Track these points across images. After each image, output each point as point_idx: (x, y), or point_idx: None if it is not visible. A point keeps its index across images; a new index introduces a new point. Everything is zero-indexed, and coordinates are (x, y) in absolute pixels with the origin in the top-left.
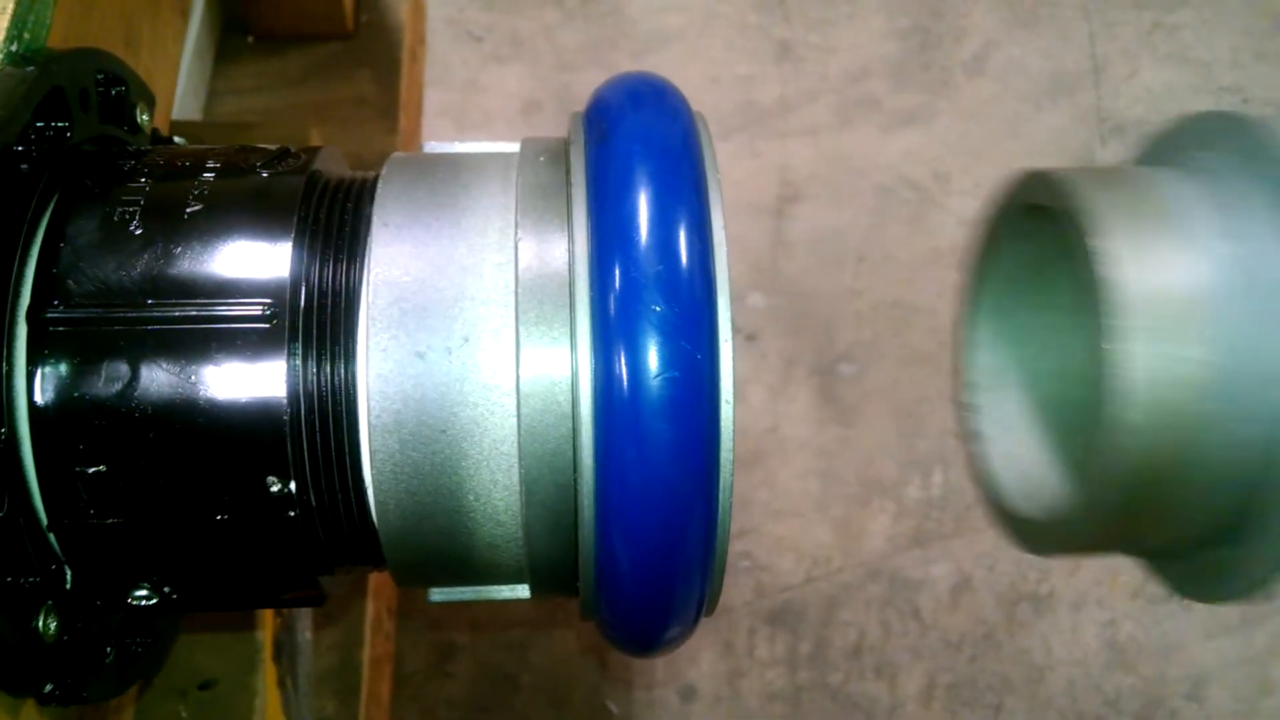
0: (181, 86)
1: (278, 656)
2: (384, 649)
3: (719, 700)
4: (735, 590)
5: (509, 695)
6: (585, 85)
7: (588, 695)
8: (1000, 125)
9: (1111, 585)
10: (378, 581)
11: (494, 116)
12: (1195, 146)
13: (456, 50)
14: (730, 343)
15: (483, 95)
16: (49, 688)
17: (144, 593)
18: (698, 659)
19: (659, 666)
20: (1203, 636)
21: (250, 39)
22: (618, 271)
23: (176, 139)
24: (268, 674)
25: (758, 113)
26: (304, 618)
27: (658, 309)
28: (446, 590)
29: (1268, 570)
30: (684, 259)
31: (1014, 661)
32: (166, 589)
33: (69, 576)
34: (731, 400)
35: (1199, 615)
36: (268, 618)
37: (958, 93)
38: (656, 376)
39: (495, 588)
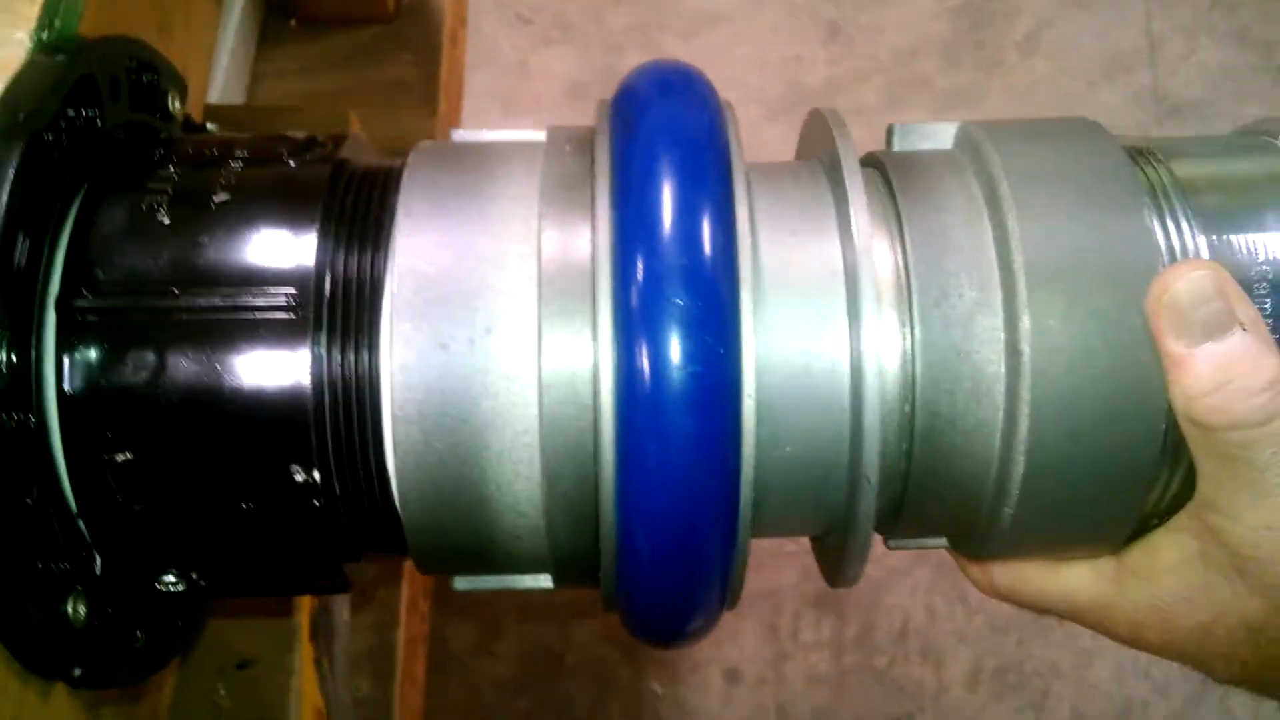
0: (225, 70)
1: (315, 636)
2: (419, 630)
3: (763, 682)
4: (780, 573)
5: (554, 675)
6: (632, 67)
7: (632, 676)
8: (1053, 105)
9: None
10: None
11: (542, 99)
12: (815, 145)
13: (506, 32)
14: (753, 337)
15: (531, 78)
16: (78, 672)
17: (172, 579)
18: (742, 641)
19: (703, 648)
20: None
21: (293, 22)
22: (640, 264)
23: (209, 126)
24: (305, 653)
25: (806, 94)
26: (341, 599)
27: (680, 302)
28: (470, 579)
29: (845, 559)
30: (707, 251)
31: (1061, 646)
32: (194, 575)
33: (98, 562)
34: (754, 395)
35: None
36: (305, 599)
37: (1010, 72)
38: (678, 370)
39: (518, 577)
